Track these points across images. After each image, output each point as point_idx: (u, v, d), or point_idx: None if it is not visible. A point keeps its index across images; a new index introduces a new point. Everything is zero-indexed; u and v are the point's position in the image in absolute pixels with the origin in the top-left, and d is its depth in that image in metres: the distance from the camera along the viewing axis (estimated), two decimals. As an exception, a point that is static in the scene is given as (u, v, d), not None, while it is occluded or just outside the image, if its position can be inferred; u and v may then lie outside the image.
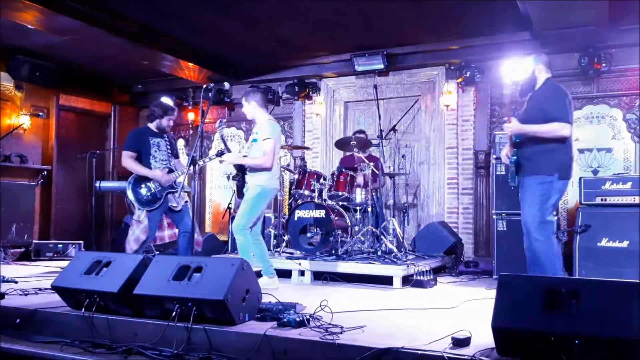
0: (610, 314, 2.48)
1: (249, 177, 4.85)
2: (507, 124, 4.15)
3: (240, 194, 4.85)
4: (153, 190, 5.01)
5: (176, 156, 5.40)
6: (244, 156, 4.92)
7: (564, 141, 4.10)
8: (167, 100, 8.59)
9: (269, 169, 4.80)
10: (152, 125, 5.24)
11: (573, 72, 6.89)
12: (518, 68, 6.71)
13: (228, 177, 4.89)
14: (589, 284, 2.70)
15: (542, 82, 4.30)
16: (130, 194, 4.97)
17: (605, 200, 5.27)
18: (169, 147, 5.27)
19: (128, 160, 5.04)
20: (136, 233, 4.95)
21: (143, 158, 5.11)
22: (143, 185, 4.98)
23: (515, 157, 4.17)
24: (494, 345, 2.70)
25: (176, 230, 5.34)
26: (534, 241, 4.10)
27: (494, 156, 5.90)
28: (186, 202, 5.24)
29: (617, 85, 6.83)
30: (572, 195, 6.78)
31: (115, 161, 9.31)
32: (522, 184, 4.21)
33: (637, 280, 2.56)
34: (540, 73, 4.30)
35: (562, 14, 5.64)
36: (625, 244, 5.01)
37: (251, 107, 4.95)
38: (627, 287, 2.56)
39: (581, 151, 6.93)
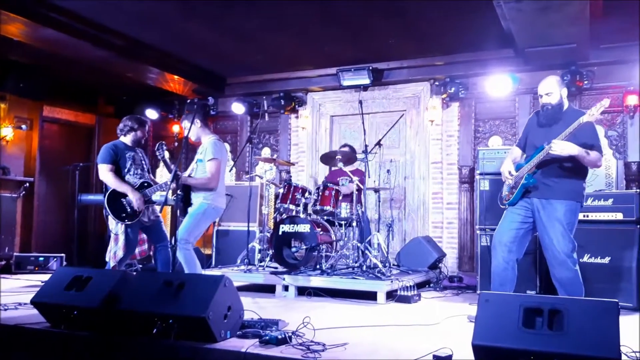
0: (590, 333, 2.50)
1: (194, 194, 4.79)
2: (557, 142, 3.84)
3: (183, 212, 4.78)
4: (131, 204, 4.92)
5: (148, 171, 5.31)
6: (188, 176, 4.84)
7: (584, 168, 4.07)
8: (151, 114, 8.67)
9: (213, 189, 4.77)
10: (127, 139, 5.16)
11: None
12: (501, 84, 6.83)
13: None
14: (569, 302, 2.72)
15: (566, 107, 4.18)
16: (108, 208, 4.89)
17: (587, 216, 5.30)
18: (143, 161, 5.22)
19: (108, 174, 4.93)
20: (114, 249, 4.89)
21: (119, 172, 5.03)
22: (121, 199, 4.91)
23: (534, 180, 4.05)
24: (475, 364, 2.71)
25: (145, 247, 5.28)
26: (566, 270, 3.93)
27: (478, 172, 5.93)
28: (157, 216, 5.17)
29: (599, 102, 6.90)
30: (555, 211, 6.83)
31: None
32: (543, 209, 4.01)
33: (616, 300, 2.58)
34: (565, 98, 4.20)
35: (544, 32, 5.72)
36: (606, 260, 5.05)
37: (195, 128, 4.85)
38: (606, 306, 2.58)
39: (564, 167, 6.99)
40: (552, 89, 4.12)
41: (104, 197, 4.91)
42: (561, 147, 3.84)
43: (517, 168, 4.24)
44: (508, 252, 4.13)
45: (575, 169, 4.02)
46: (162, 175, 9.23)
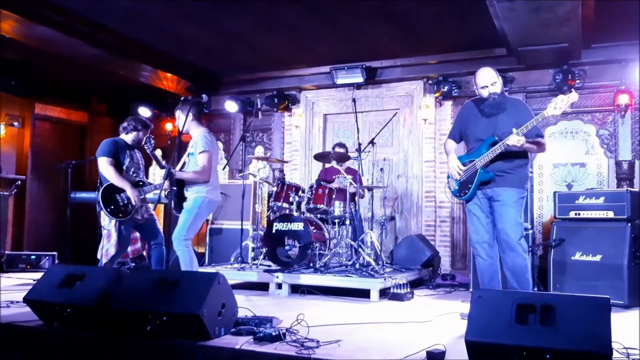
0: (582, 329, 2.52)
1: (188, 189, 4.76)
2: (514, 136, 3.92)
3: (178, 208, 4.75)
4: (126, 201, 4.92)
5: (143, 171, 5.31)
6: (180, 170, 4.82)
7: (529, 157, 4.26)
8: (144, 112, 8.65)
9: (206, 182, 4.75)
10: (127, 138, 5.16)
11: (548, 88, 7.04)
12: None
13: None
14: (561, 298, 2.75)
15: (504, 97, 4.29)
16: (102, 203, 4.87)
17: (579, 214, 5.35)
18: (140, 161, 5.23)
19: (109, 168, 4.90)
20: (106, 247, 4.87)
21: (118, 167, 5.02)
22: (116, 195, 4.90)
23: (492, 173, 4.10)
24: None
25: (138, 246, 5.27)
26: (518, 256, 4.02)
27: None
28: (151, 214, 5.17)
29: (591, 101, 6.98)
30: (546, 209, 6.89)
31: (92, 172, 9.20)
32: (498, 196, 4.10)
33: (608, 296, 2.61)
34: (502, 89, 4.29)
35: (537, 31, 5.75)
36: (598, 257, 5.08)
37: (187, 120, 4.82)
38: (598, 302, 2.61)
39: (555, 166, 7.05)
40: (496, 78, 4.20)
41: (99, 192, 4.88)
42: (520, 142, 3.92)
43: (461, 161, 4.28)
44: (489, 247, 4.21)
45: (524, 158, 4.19)
46: (155, 173, 9.21)
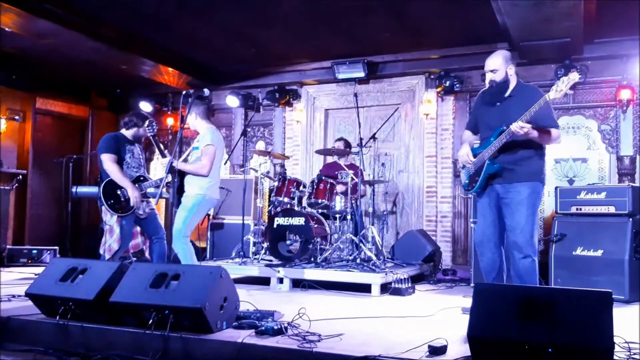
0: (584, 323, 2.52)
1: (188, 185, 4.71)
2: (519, 123, 3.67)
3: (177, 201, 4.72)
4: (127, 197, 4.92)
5: (144, 166, 5.31)
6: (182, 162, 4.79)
7: (544, 147, 4.01)
8: (145, 107, 8.65)
9: (205, 176, 4.69)
10: (128, 133, 5.16)
11: (550, 83, 6.91)
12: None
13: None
14: (563, 293, 2.75)
15: (514, 84, 4.06)
16: (103, 199, 4.87)
17: (581, 209, 5.36)
18: (140, 155, 5.23)
19: (113, 165, 4.90)
20: (108, 242, 4.88)
21: (119, 163, 5.03)
22: (117, 190, 4.90)
23: (499, 164, 3.92)
24: (469, 354, 2.73)
25: (139, 240, 5.28)
26: (525, 257, 3.82)
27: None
28: (152, 209, 5.17)
29: (593, 96, 6.97)
30: (548, 204, 6.89)
31: (93, 166, 9.20)
32: (508, 193, 3.92)
33: (610, 290, 2.61)
34: (512, 75, 4.05)
35: (539, 26, 5.74)
36: (599, 252, 5.09)
37: (192, 119, 4.81)
38: (600, 296, 2.61)
39: (557, 161, 7.04)
40: (497, 66, 4.00)
41: (100, 188, 4.89)
42: (523, 129, 3.70)
43: (473, 152, 4.11)
44: (495, 247, 4.06)
45: (535, 149, 3.94)
46: (157, 168, 9.22)
